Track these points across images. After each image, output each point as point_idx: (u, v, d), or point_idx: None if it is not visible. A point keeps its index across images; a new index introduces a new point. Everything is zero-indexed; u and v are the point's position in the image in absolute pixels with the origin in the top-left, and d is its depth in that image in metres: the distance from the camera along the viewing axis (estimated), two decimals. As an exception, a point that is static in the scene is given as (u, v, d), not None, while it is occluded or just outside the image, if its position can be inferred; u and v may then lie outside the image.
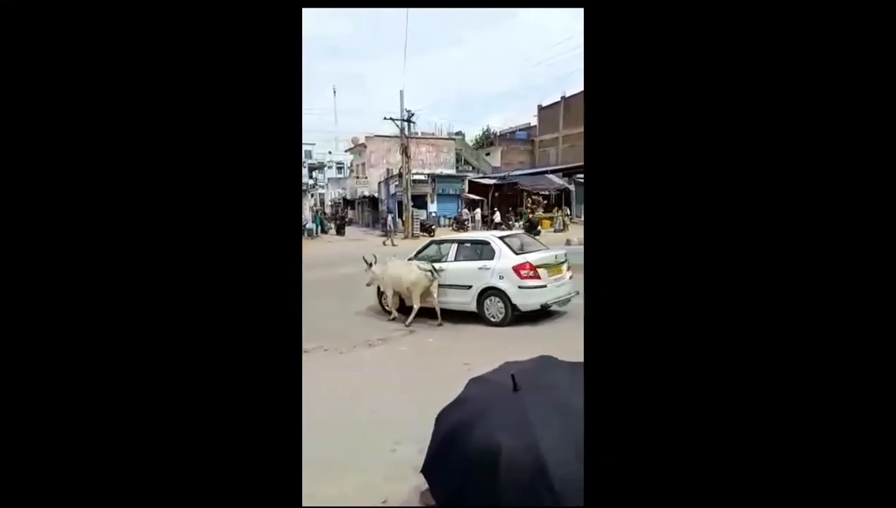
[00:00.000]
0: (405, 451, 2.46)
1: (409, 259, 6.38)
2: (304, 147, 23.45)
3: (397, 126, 20.62)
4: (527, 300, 5.48)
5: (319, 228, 22.93)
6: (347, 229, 25.11)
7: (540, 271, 5.57)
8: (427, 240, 7.86)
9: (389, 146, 25.84)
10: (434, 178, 23.71)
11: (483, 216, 23.59)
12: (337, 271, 9.53)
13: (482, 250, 5.94)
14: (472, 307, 5.74)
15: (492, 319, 5.62)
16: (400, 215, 22.07)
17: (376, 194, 26.31)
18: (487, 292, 5.66)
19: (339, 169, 35.63)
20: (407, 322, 5.78)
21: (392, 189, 23.61)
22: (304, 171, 22.35)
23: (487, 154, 31.81)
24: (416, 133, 24.11)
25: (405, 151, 20.82)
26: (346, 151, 33.94)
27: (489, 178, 26.40)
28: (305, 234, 20.24)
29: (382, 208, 25.02)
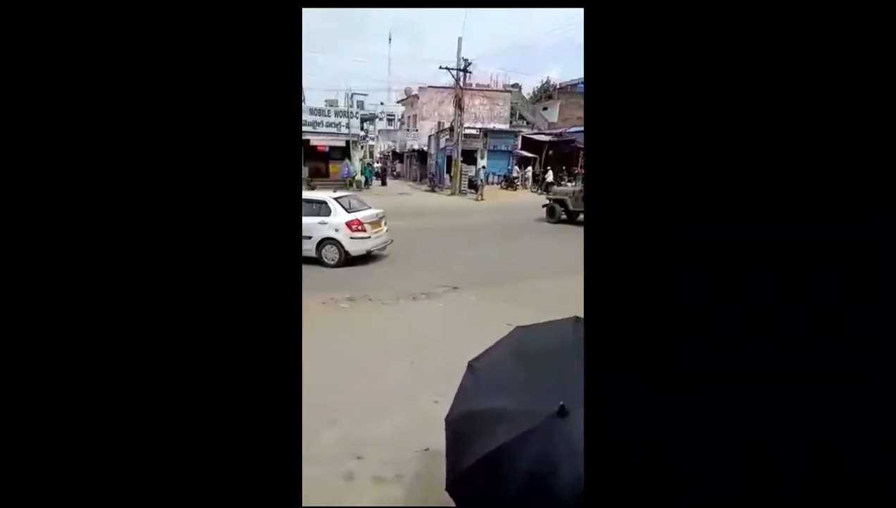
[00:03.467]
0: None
1: None
2: (356, 97, 23.12)
3: (453, 76, 19.79)
4: (356, 247, 7.39)
5: (369, 180, 22.99)
6: (394, 182, 24.98)
7: (365, 225, 7.44)
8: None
9: (442, 98, 25.03)
10: (486, 132, 22.83)
11: (534, 175, 22.65)
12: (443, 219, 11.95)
13: (320, 208, 7.51)
14: (313, 254, 7.37)
15: (329, 262, 7.40)
16: (448, 171, 21.60)
17: (426, 148, 25.84)
18: (325, 241, 7.38)
19: (390, 121, 35.22)
20: None
21: (442, 143, 23.06)
22: (356, 122, 22.18)
23: (545, 109, 30.17)
24: (471, 84, 23.07)
25: (458, 104, 20.06)
26: (397, 102, 33.34)
27: (545, 134, 25.13)
28: (354, 186, 20.34)
29: (430, 162, 24.60)
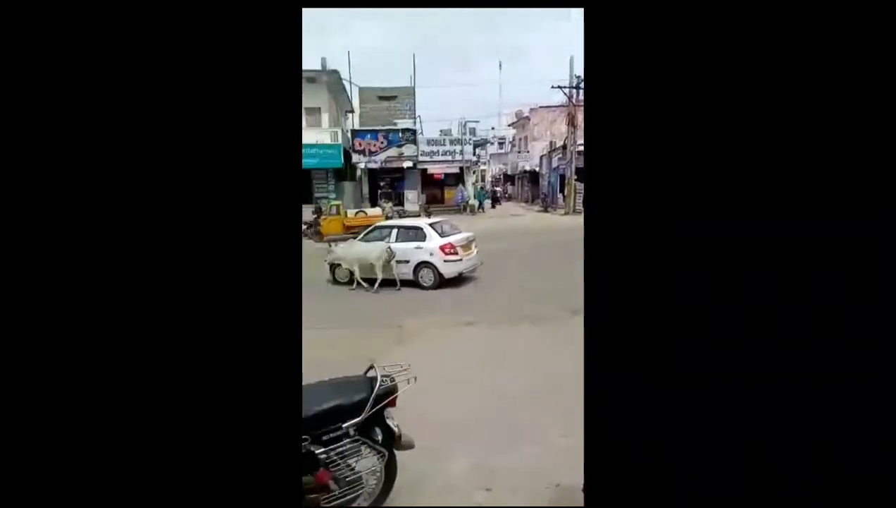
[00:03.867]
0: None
1: (359, 240, 8.50)
2: (469, 125, 24.13)
3: (565, 94, 19.60)
4: (449, 270, 7.76)
5: (482, 203, 23.57)
6: (506, 204, 25.12)
7: (457, 248, 7.80)
8: (372, 225, 9.63)
9: (554, 117, 24.89)
10: (601, 149, 21.88)
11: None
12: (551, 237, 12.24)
13: (416, 234, 8.01)
14: (410, 276, 7.89)
15: (425, 284, 7.83)
16: (562, 190, 21.16)
17: (537, 168, 25.71)
18: (421, 265, 7.82)
19: (501, 144, 35.86)
20: (374, 289, 7.82)
21: (555, 162, 22.83)
22: (469, 148, 23.05)
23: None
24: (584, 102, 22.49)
25: (571, 121, 19.73)
26: (508, 125, 33.85)
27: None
28: (468, 211, 21.03)
29: (543, 182, 24.37)
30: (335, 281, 8.40)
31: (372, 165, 20.39)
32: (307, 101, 19.59)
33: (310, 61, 21.71)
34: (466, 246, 8.04)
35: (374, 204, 18.98)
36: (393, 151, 20.33)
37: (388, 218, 15.70)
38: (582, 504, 1.16)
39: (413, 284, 7.85)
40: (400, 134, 20.38)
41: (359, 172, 20.75)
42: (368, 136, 20.50)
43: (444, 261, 7.69)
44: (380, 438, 2.28)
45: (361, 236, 8.76)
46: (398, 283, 7.82)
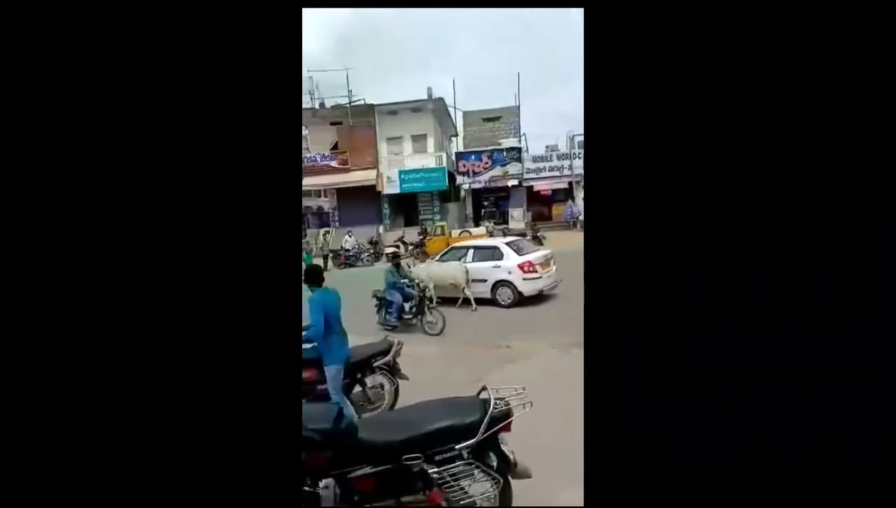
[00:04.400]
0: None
1: (436, 260, 8.64)
2: (577, 138, 22.94)
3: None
4: (528, 288, 7.54)
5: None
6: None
7: (536, 266, 7.59)
8: (448, 247, 9.83)
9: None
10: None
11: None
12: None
13: (493, 253, 7.97)
14: (488, 295, 7.81)
15: (502, 302, 7.66)
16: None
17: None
18: (499, 283, 7.71)
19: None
20: (457, 305, 7.76)
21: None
22: (578, 162, 21.87)
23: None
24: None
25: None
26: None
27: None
28: (577, 226, 19.74)
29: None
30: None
31: (476, 186, 20.39)
32: (413, 128, 20.49)
33: (417, 93, 22.84)
34: (545, 264, 7.91)
35: (477, 224, 18.84)
36: (497, 171, 20.14)
37: (491, 236, 15.56)
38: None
39: (490, 302, 7.76)
40: (504, 153, 20.13)
41: (463, 193, 20.89)
42: (472, 157, 20.61)
43: (524, 279, 7.56)
44: (494, 463, 2.18)
45: (438, 257, 8.95)
46: (473, 303, 7.73)
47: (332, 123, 20.91)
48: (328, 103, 21.24)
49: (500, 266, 7.75)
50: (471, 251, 8.22)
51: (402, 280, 7.03)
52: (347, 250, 16.20)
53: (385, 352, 3.86)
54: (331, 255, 16.66)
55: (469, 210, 21.04)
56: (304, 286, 3.35)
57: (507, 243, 8.18)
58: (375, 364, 3.82)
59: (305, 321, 3.61)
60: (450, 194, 21.14)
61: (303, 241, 17.17)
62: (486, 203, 20.76)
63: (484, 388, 2.31)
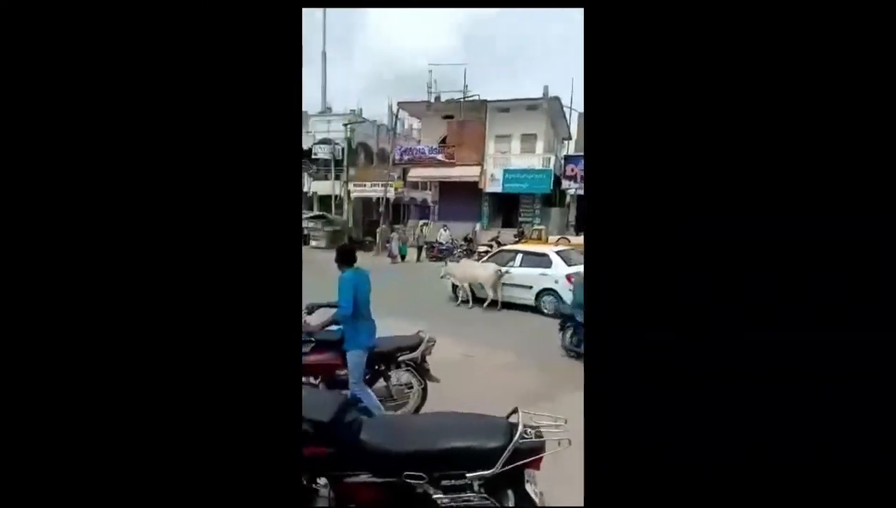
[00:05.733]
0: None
1: (483, 261, 8.63)
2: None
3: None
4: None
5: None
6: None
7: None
8: (497, 249, 9.98)
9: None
10: None
11: None
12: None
13: (542, 260, 7.81)
14: (531, 302, 7.73)
15: (546, 311, 7.53)
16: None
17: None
18: (544, 292, 7.61)
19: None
20: (484, 306, 7.88)
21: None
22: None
23: None
24: None
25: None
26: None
27: None
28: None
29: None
30: (456, 298, 8.49)
31: (582, 192, 19.18)
32: (524, 127, 19.90)
33: (534, 91, 22.16)
34: None
35: (578, 232, 17.71)
36: (608, 178, 18.70)
37: None
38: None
39: (534, 310, 7.68)
40: (618, 160, 18.61)
41: (567, 199, 19.80)
42: (581, 162, 19.43)
43: (569, 290, 7.20)
44: (512, 504, 1.79)
45: (486, 257, 8.99)
46: (499, 304, 7.81)
47: (445, 117, 21.19)
48: (444, 98, 21.59)
49: (547, 274, 7.62)
50: (520, 256, 8.15)
51: None
52: (441, 244, 16.32)
53: (412, 348, 3.55)
54: (425, 247, 16.93)
55: (572, 217, 19.93)
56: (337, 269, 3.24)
57: (558, 253, 8.05)
58: (401, 359, 3.54)
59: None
60: (554, 198, 20.20)
61: (401, 231, 17.69)
62: (591, 212, 19.42)
63: (515, 410, 1.87)
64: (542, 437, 1.76)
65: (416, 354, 3.53)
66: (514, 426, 1.78)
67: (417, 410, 3.60)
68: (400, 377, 3.64)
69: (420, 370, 3.62)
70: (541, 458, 1.73)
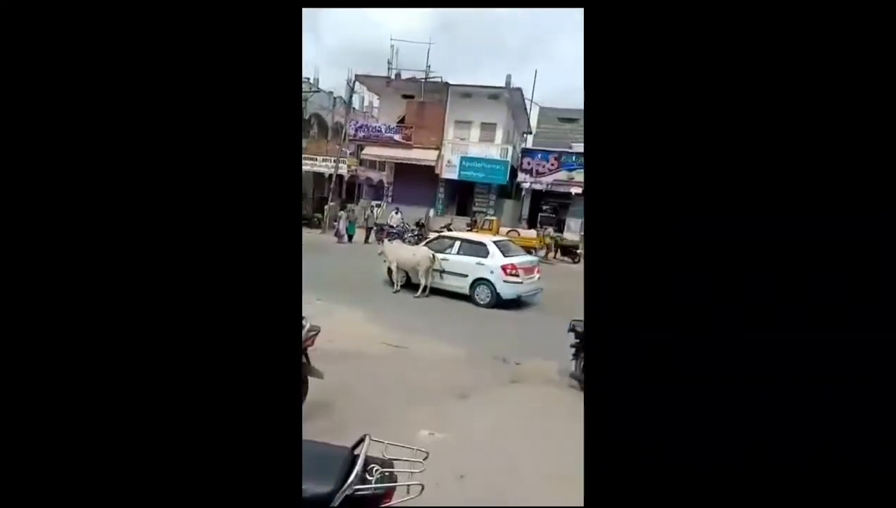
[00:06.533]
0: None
1: (422, 246, 8.37)
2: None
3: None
4: (508, 291, 7.43)
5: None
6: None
7: (519, 270, 7.49)
8: (437, 235, 9.72)
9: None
10: None
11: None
12: None
13: (479, 249, 7.70)
14: (466, 291, 7.63)
15: (479, 301, 7.53)
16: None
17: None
18: (479, 281, 7.54)
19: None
20: (416, 295, 7.70)
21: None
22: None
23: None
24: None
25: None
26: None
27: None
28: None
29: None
30: (391, 282, 8.27)
31: (537, 187, 19.29)
32: (484, 116, 19.63)
33: (497, 79, 21.86)
34: (529, 270, 7.79)
35: (531, 226, 17.82)
36: (562, 175, 18.89)
37: (546, 245, 14.72)
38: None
39: (467, 299, 7.65)
40: (574, 158, 18.79)
41: (522, 192, 19.87)
42: (539, 155, 19.49)
43: (504, 281, 7.37)
44: None
45: (425, 242, 8.83)
46: (427, 289, 7.68)
47: (404, 97, 20.50)
48: (404, 76, 20.84)
49: (483, 264, 7.53)
50: (458, 243, 8.04)
51: None
52: (392, 227, 15.88)
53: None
54: (375, 229, 16.38)
55: (525, 211, 20.01)
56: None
57: (496, 242, 7.95)
58: None
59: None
60: (510, 190, 20.17)
61: (350, 210, 17.02)
62: (545, 207, 19.61)
63: (362, 439, 1.50)
64: (392, 475, 1.42)
65: None
66: (356, 458, 1.41)
67: None
68: None
69: None
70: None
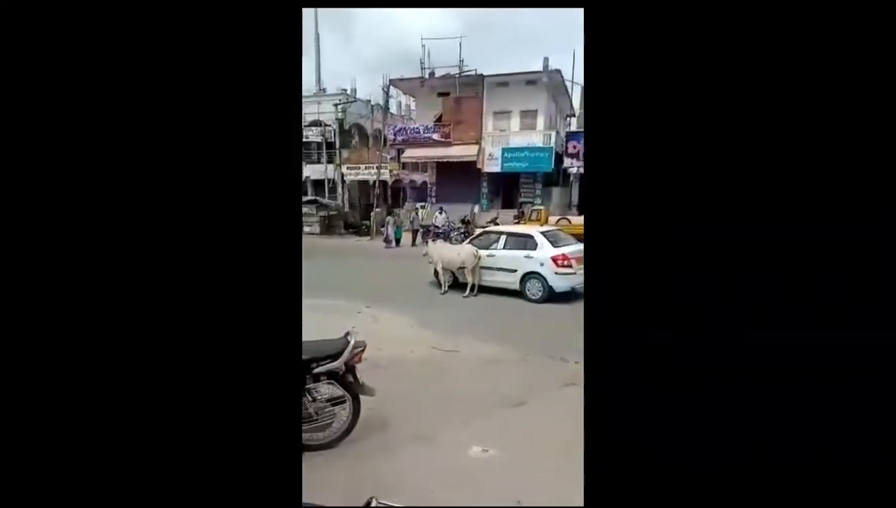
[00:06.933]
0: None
1: (466, 243, 8.10)
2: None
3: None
4: (560, 283, 7.10)
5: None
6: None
7: (572, 260, 7.02)
8: (482, 230, 9.48)
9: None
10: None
11: None
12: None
13: (526, 242, 7.49)
14: (517, 286, 7.43)
15: (531, 296, 7.28)
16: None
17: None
18: (529, 275, 7.30)
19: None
20: (465, 295, 7.52)
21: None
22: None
23: None
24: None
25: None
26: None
27: None
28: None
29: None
30: (438, 284, 8.13)
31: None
32: (523, 103, 18.97)
33: (534, 63, 21.05)
34: (581, 259, 7.19)
35: (581, 212, 16.99)
36: (612, 155, 17.83)
37: None
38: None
39: (518, 294, 7.32)
40: (623, 135, 17.70)
41: (570, 178, 19.01)
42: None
43: (556, 273, 7.00)
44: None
45: (468, 240, 8.61)
46: (475, 288, 7.51)
47: (440, 95, 20.29)
48: (438, 73, 20.63)
49: (532, 257, 7.21)
50: (503, 238, 7.75)
51: None
52: (437, 227, 15.74)
53: (334, 356, 2.82)
54: (421, 230, 16.33)
55: (575, 197, 19.15)
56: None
57: (543, 233, 7.63)
58: (316, 371, 2.80)
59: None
60: (556, 177, 19.40)
61: (396, 214, 17.07)
62: (595, 191, 18.64)
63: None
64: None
65: (338, 363, 2.83)
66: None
67: (349, 431, 2.97)
68: (320, 391, 2.92)
69: (344, 381, 2.91)
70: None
